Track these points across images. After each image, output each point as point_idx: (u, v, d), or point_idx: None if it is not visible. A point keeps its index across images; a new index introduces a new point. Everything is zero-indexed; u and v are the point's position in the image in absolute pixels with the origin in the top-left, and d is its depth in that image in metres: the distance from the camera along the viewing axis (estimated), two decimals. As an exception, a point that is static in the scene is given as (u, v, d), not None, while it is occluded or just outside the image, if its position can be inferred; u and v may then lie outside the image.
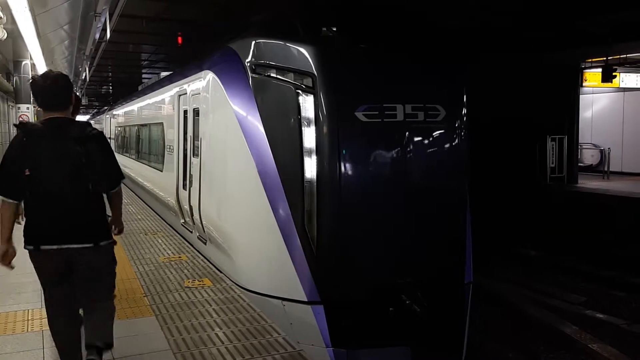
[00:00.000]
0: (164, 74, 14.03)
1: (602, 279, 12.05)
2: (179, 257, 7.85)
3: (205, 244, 7.98)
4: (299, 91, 5.90)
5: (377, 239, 5.97)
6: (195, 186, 8.09)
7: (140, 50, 18.69)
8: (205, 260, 7.67)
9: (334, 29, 6.26)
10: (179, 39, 14.36)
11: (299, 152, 5.84)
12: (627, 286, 11.52)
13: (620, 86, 18.49)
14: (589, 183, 16.97)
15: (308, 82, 5.87)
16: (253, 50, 6.42)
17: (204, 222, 7.70)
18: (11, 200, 3.77)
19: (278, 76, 6.12)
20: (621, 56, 16.21)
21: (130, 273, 6.98)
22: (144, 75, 24.00)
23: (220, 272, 7.06)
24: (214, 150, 7.35)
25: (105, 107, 32.31)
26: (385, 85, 6.07)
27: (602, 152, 20.06)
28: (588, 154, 20.78)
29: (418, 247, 6.07)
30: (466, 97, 6.45)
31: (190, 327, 5.15)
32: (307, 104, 5.88)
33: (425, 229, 6.11)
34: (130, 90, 22.25)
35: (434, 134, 6.23)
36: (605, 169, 18.74)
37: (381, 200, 5.96)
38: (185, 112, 9.10)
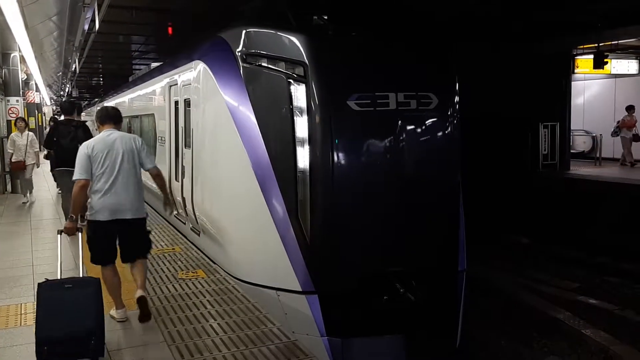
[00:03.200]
0: (154, 64, 13.82)
1: (595, 265, 12.11)
2: (172, 248, 7.83)
3: (198, 235, 7.95)
4: (291, 80, 5.85)
5: (370, 229, 5.94)
6: (187, 177, 8.04)
7: (130, 41, 18.55)
8: (198, 252, 7.67)
9: (325, 18, 6.21)
10: (169, 30, 14.25)
11: (292, 142, 5.80)
12: (619, 272, 11.60)
13: (612, 72, 18.52)
14: (581, 169, 17.03)
15: (299, 71, 5.82)
16: (244, 40, 6.38)
17: (197, 214, 7.64)
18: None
19: (269, 65, 6.06)
20: (612, 42, 16.22)
21: (123, 265, 6.94)
22: (134, 67, 23.83)
23: (214, 263, 7.02)
24: (206, 141, 7.30)
25: (96, 99, 32.02)
26: (377, 73, 6.01)
27: (594, 138, 20.10)
28: (580, 141, 20.83)
29: (411, 236, 6.04)
30: (458, 85, 6.44)
31: (185, 318, 5.15)
32: (298, 94, 5.82)
33: (418, 218, 6.08)
34: (120, 81, 22.08)
35: (426, 122, 6.18)
36: (597, 155, 18.80)
37: (374, 189, 5.92)
38: (177, 102, 9.04)
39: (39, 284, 4.40)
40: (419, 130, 6.17)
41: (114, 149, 5.06)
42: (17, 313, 5.44)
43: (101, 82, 35.59)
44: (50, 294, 4.28)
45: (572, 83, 18.58)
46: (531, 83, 16.54)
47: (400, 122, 5.98)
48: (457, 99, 6.38)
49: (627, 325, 9.10)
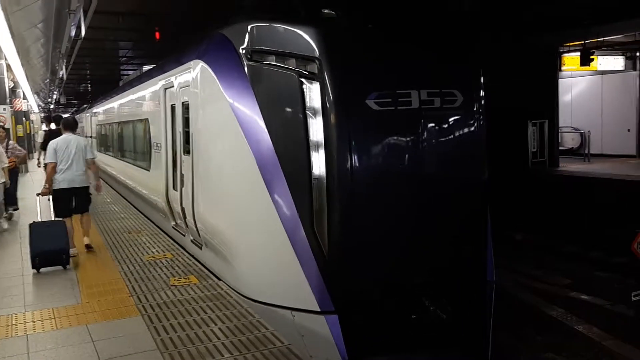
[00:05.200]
0: (146, 67, 13.47)
1: (586, 260, 12.19)
2: (164, 255, 7.79)
3: (200, 248, 7.43)
4: (303, 79, 5.32)
5: (394, 238, 5.44)
6: (187, 186, 7.52)
7: (117, 46, 18.48)
8: (190, 258, 7.61)
9: (337, 10, 5.67)
10: (157, 34, 14.20)
11: (305, 147, 5.29)
12: (610, 267, 11.67)
13: (598, 69, 18.65)
14: (570, 166, 17.13)
15: (312, 68, 5.29)
16: (248, 36, 5.81)
17: (198, 225, 7.14)
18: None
19: (278, 63, 5.52)
20: (598, 39, 16.33)
21: (114, 273, 6.92)
22: (123, 72, 23.72)
23: (219, 279, 6.52)
24: (208, 147, 6.76)
25: (85, 106, 31.74)
26: (398, 69, 5.48)
27: (582, 135, 20.25)
28: (569, 138, 20.96)
29: (438, 245, 5.57)
30: (483, 81, 5.96)
31: (178, 325, 5.12)
32: (312, 93, 5.31)
33: (445, 225, 5.61)
34: (109, 87, 21.96)
35: (451, 121, 5.69)
36: (586, 151, 18.92)
37: (397, 195, 5.44)
38: (173, 106, 8.51)
39: (30, 224, 7.30)
40: (444, 130, 5.68)
41: (70, 145, 7.77)
42: (7, 324, 5.38)
43: (89, 89, 35.40)
44: (38, 228, 7.19)
45: (560, 80, 18.70)
46: (519, 81, 16.62)
47: (423, 122, 5.50)
48: (482, 95, 5.90)
49: (618, 319, 9.16)
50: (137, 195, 12.35)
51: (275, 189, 5.42)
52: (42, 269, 7.09)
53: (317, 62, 5.26)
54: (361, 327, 5.24)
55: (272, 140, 5.45)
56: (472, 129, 5.78)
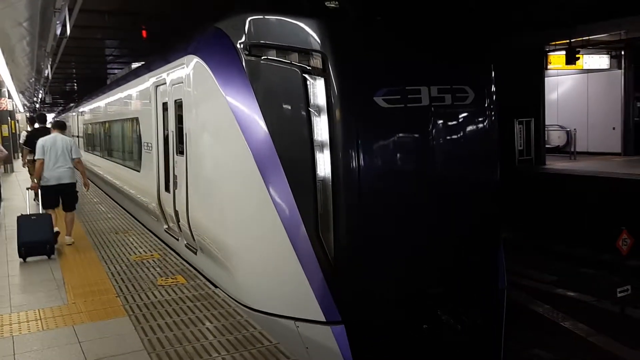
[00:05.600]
0: (135, 65, 13.14)
1: (572, 257, 12.31)
2: (151, 255, 7.75)
3: (195, 253, 7.09)
4: (306, 74, 5.01)
5: (404, 243, 5.16)
6: (181, 188, 7.18)
7: (104, 45, 18.35)
8: (178, 257, 7.58)
9: (342, 1, 5.32)
10: (144, 33, 14.12)
11: (309, 146, 4.99)
12: (595, 263, 11.79)
13: (584, 68, 18.80)
14: (556, 164, 17.26)
15: (317, 62, 4.98)
16: (246, 29, 5.48)
17: (193, 230, 6.80)
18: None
19: (278, 58, 5.20)
20: (584, 38, 16.46)
21: (101, 273, 6.88)
22: (109, 71, 23.56)
23: (216, 287, 6.20)
24: (204, 147, 6.43)
25: (71, 104, 31.42)
26: (407, 64, 5.19)
27: (568, 133, 20.40)
28: (555, 136, 21.11)
29: (451, 250, 5.31)
30: (494, 77, 5.72)
31: (165, 325, 5.10)
32: (316, 89, 5.00)
33: (458, 229, 5.34)
34: (96, 86, 21.80)
35: (463, 120, 5.41)
36: (572, 149, 19.07)
37: (407, 198, 5.15)
38: (165, 104, 8.13)
39: (17, 216, 7.89)
40: (455, 129, 5.40)
41: (57, 144, 8.21)
42: (-7, 325, 5.34)
43: (75, 88, 35.12)
44: (25, 221, 7.73)
45: (546, 79, 18.83)
46: (505, 79, 16.69)
47: (434, 120, 5.20)
48: (494, 92, 5.64)
49: (603, 316, 9.25)
50: (126, 197, 12.02)
51: (276, 192, 5.13)
52: (27, 259, 7.61)
53: (322, 56, 4.95)
54: (370, 338, 4.98)
55: (273, 140, 5.15)
56: (484, 127, 5.52)
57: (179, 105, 7.30)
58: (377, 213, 5.05)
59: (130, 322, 5.21)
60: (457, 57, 5.54)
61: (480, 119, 5.51)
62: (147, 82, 9.25)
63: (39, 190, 8.44)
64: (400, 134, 5.19)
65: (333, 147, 4.94)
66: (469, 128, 5.49)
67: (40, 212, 8.46)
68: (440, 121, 5.27)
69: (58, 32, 11.65)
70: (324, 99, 4.96)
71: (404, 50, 5.25)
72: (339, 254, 4.94)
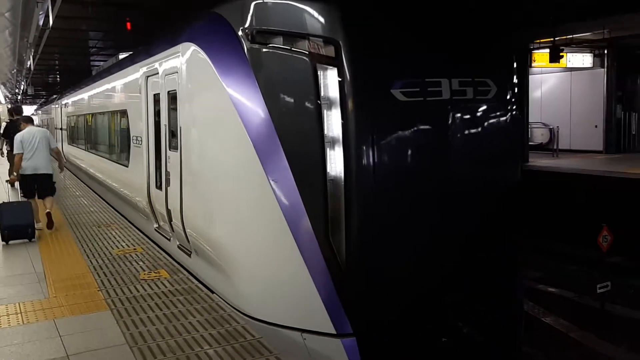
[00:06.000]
0: (123, 55, 12.63)
1: (555, 254, 12.44)
2: (134, 249, 7.70)
3: (189, 256, 6.67)
4: (318, 63, 4.57)
5: (423, 248, 4.78)
6: (174, 186, 6.75)
7: (87, 36, 18.14)
8: (161, 252, 7.53)
9: None
10: (128, 25, 13.99)
11: (319, 143, 4.57)
12: (576, 260, 11.93)
13: (567, 66, 18.98)
14: (539, 161, 17.41)
15: (329, 51, 4.56)
16: (249, 14, 5.04)
17: (187, 231, 6.38)
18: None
19: (286, 45, 4.76)
20: (567, 37, 16.61)
21: (83, 267, 6.81)
22: (93, 63, 23.31)
23: (213, 292, 5.79)
24: (201, 143, 5.98)
25: (55, 96, 30.94)
26: (427, 54, 4.80)
27: (551, 130, 20.60)
28: (538, 133, 21.31)
29: (471, 255, 4.94)
30: (516, 69, 5.40)
31: (147, 319, 5.06)
32: (328, 80, 4.58)
33: (480, 233, 5.00)
34: (79, 78, 21.54)
35: (485, 115, 5.07)
36: (555, 147, 19.26)
37: (426, 199, 4.79)
38: (157, 96, 7.68)
39: (0, 203, 8.41)
40: (477, 126, 5.05)
41: (34, 137, 8.62)
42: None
43: (58, 79, 34.70)
44: (6, 207, 8.33)
45: (530, 76, 18.97)
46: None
47: (454, 115, 4.84)
48: (517, 85, 5.32)
49: (584, 311, 9.38)
50: (113, 193, 11.65)
51: (282, 191, 4.70)
52: (10, 242, 8.13)
53: (335, 44, 4.52)
54: (384, 352, 4.62)
55: (278, 136, 4.70)
56: (506, 123, 5.15)
57: (172, 97, 6.89)
58: (393, 215, 4.68)
59: (112, 316, 5.17)
60: (479, 48, 5.14)
61: (502, 115, 5.14)
62: (136, 72, 8.80)
63: (18, 181, 9.00)
64: (419, 130, 4.78)
65: (346, 144, 4.52)
66: (491, 124, 5.12)
67: (19, 198, 9.22)
68: (461, 117, 4.89)
69: (41, 22, 11.53)
70: (336, 90, 4.54)
71: (424, 39, 4.83)
72: (351, 259, 4.52)
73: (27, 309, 5.44)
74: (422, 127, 4.82)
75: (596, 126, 19.69)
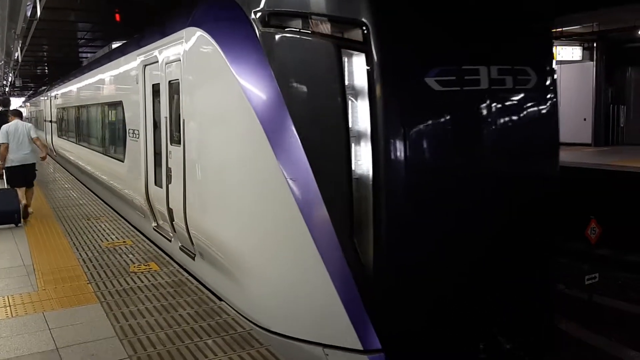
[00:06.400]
0: (117, 44, 11.99)
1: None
2: (124, 241, 7.67)
3: (193, 259, 6.27)
4: (343, 49, 4.09)
5: (459, 253, 4.34)
6: (176, 183, 6.34)
7: (76, 28, 17.94)
8: (151, 244, 7.51)
9: None
10: (117, 16, 13.86)
11: (343, 137, 4.10)
12: (565, 252, 12.00)
13: (557, 59, 19.06)
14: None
15: (356, 34, 4.07)
16: None
17: (192, 231, 5.95)
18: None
19: (305, 29, 4.28)
20: (557, 30, 16.66)
21: (72, 260, 6.79)
22: (81, 54, 23.11)
23: (220, 299, 5.37)
24: (209, 137, 5.54)
25: (43, 88, 30.60)
26: (465, 39, 4.32)
27: (541, 123, 20.71)
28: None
29: (513, 261, 4.55)
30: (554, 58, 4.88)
31: (137, 312, 5.06)
32: (355, 68, 4.10)
33: (521, 236, 4.60)
34: (68, 69, 21.33)
35: (525, 107, 4.63)
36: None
37: (462, 199, 4.34)
38: (156, 87, 7.24)
39: None
40: (517, 118, 4.59)
41: (18, 129, 9.32)
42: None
43: (46, 71, 34.39)
44: None
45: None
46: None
47: (494, 106, 4.38)
48: (555, 75, 4.89)
49: (572, 303, 9.46)
50: (107, 189, 11.24)
51: (301, 191, 4.23)
52: None
53: (363, 27, 4.02)
54: None
55: (296, 130, 4.24)
56: (546, 115, 4.74)
57: (174, 87, 6.43)
58: (426, 217, 4.22)
59: (101, 309, 5.16)
60: (517, 32, 4.65)
61: (542, 107, 4.70)
62: (133, 61, 8.29)
63: (4, 171, 9.51)
64: (455, 123, 4.29)
65: (375, 138, 4.02)
66: (531, 117, 4.67)
67: (5, 187, 9.62)
68: (501, 108, 4.42)
69: (28, 13, 11.39)
70: (364, 79, 4.05)
71: (460, 21, 4.34)
72: (379, 266, 4.05)
73: (16, 302, 5.42)
74: (458, 119, 4.29)
75: (585, 119, 19.80)
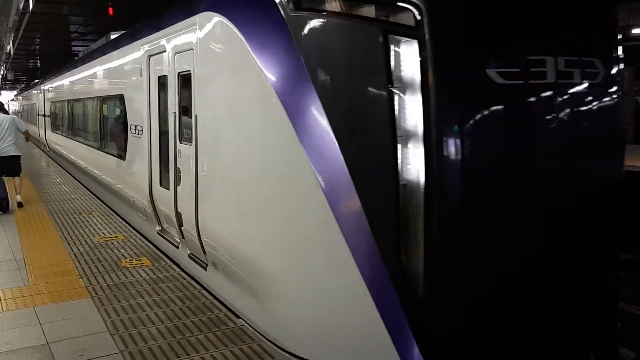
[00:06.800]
0: (114, 35, 11.38)
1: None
2: (116, 236, 7.65)
3: (204, 269, 5.69)
4: (391, 35, 3.50)
5: (527, 272, 3.77)
6: (186, 185, 5.82)
7: (69, 21, 17.87)
8: (143, 239, 7.48)
9: None
10: (110, 10, 13.81)
11: (389, 137, 3.52)
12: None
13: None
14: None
15: (407, 19, 3.48)
16: None
17: (205, 239, 5.41)
18: None
19: (344, 11, 3.74)
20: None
21: (63, 255, 6.76)
22: (74, 48, 23.01)
23: (238, 317, 4.90)
24: (227, 135, 4.96)
25: (36, 81, 30.24)
26: (530, 25, 3.78)
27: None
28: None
29: (585, 274, 4.08)
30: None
31: (128, 307, 5.05)
32: (404, 57, 3.52)
33: (595, 247, 4.12)
34: (60, 63, 21.18)
35: (593, 102, 4.11)
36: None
37: (529, 207, 3.76)
38: (162, 79, 6.67)
39: None
40: (586, 115, 4.09)
41: (3, 123, 9.57)
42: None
43: (39, 65, 34.19)
44: None
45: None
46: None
47: (561, 102, 3.86)
48: (622, 67, 4.34)
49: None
50: (104, 188, 10.55)
51: (337, 198, 3.70)
52: None
53: (415, 9, 3.44)
54: None
55: (333, 129, 3.70)
56: (614, 112, 4.27)
57: (185, 79, 5.86)
58: (489, 230, 3.65)
59: (93, 304, 5.14)
60: (584, 20, 4.14)
61: (610, 103, 4.21)
62: (136, 51, 7.64)
63: None
64: (519, 121, 3.74)
65: (428, 138, 3.44)
66: (600, 114, 4.19)
67: None
68: (569, 104, 3.92)
69: (21, 6, 11.31)
70: (415, 69, 3.45)
71: (525, 7, 3.81)
72: (432, 288, 3.50)
73: (6, 296, 5.39)
74: (522, 117, 3.76)
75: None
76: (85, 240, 7.46)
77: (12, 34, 15.85)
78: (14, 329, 4.66)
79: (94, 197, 11.03)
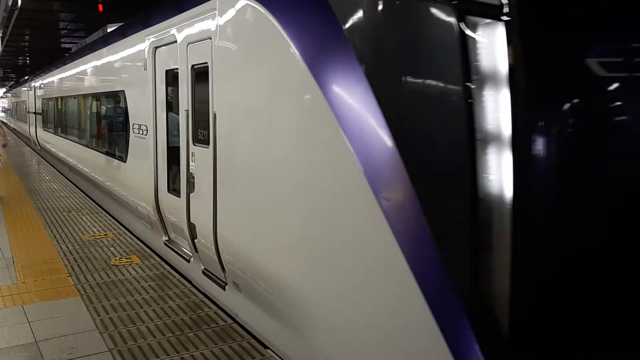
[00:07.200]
0: (112, 27, 10.48)
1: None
2: (105, 234, 7.61)
3: (223, 288, 5.09)
4: (469, 16, 2.75)
5: (632, 296, 2.92)
6: (202, 193, 5.20)
7: (58, 18, 17.76)
8: (132, 237, 7.45)
9: None
10: (100, 6, 13.73)
11: (465, 142, 2.76)
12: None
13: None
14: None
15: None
16: None
17: (225, 256, 4.81)
18: None
19: None
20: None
21: (52, 253, 6.73)
22: (64, 45, 22.86)
23: (266, 347, 4.34)
24: (257, 138, 4.27)
25: (26, 77, 29.80)
26: (633, 7, 2.95)
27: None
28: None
29: None
30: None
31: (118, 305, 5.03)
32: (487, 44, 2.73)
33: None
34: (50, 59, 21.00)
35: None
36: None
37: (634, 222, 2.91)
38: (172, 73, 6.10)
39: None
40: None
41: None
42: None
43: (28, 62, 33.96)
44: None
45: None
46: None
47: None
48: None
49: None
50: (103, 192, 9.89)
51: (397, 216, 3.03)
52: None
53: None
54: None
55: (392, 131, 3.00)
56: None
57: (200, 73, 5.22)
58: (591, 253, 2.86)
59: (82, 302, 5.12)
60: None
61: None
62: (140, 43, 7.01)
63: None
64: (625, 121, 3.00)
65: (516, 143, 2.68)
66: None
67: None
68: None
69: (9, 2, 11.22)
70: (500, 59, 2.70)
71: None
72: (520, 320, 2.74)
73: (-6, 295, 5.37)
74: (629, 117, 3.01)
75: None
76: (74, 238, 7.43)
77: (1, 31, 15.73)
78: (3, 327, 4.63)
79: (85, 196, 10.96)
